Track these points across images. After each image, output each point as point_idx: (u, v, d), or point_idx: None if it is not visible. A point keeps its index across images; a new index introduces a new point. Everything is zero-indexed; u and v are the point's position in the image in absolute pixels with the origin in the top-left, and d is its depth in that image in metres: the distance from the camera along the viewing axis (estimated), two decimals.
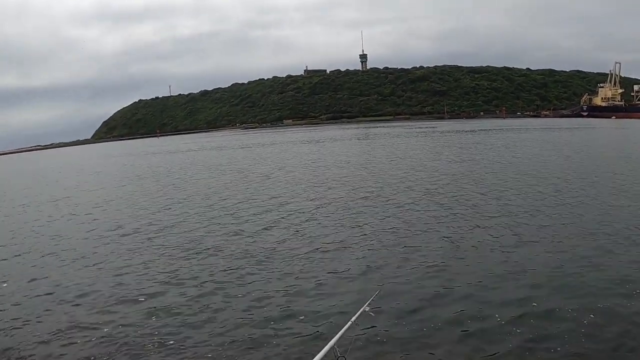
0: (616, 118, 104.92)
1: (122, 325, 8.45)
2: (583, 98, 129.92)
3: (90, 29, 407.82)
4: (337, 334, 4.72)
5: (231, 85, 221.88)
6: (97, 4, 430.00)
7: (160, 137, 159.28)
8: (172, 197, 23.26)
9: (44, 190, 31.96)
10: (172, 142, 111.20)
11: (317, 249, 12.50)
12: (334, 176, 27.17)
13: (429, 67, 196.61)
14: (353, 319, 5.02)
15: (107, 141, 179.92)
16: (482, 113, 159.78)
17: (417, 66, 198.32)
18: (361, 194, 20.60)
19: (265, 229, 15.05)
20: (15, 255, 14.05)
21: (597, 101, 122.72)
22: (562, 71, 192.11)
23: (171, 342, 7.78)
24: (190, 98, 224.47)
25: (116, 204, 22.69)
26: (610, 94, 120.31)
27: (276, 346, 7.52)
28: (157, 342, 7.81)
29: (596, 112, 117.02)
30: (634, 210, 14.86)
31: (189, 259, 12.25)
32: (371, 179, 25.05)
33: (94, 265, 12.29)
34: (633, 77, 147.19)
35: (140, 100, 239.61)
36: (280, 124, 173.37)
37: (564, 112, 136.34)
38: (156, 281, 10.70)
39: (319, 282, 10.17)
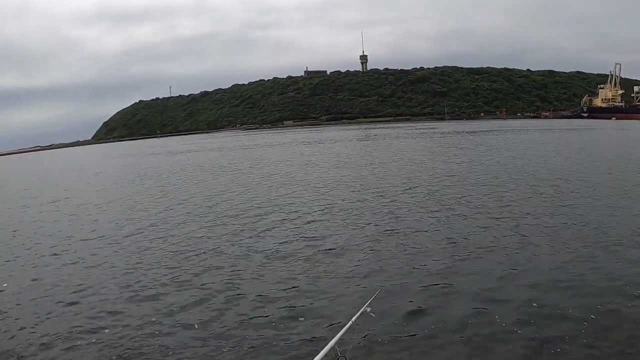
0: (616, 119, 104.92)
1: (123, 328, 8.43)
2: (583, 99, 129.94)
3: (90, 29, 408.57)
4: (337, 334, 4.73)
5: (231, 86, 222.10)
6: (97, 5, 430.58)
7: (160, 138, 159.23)
8: (173, 198, 23.27)
9: (45, 190, 31.96)
10: (173, 143, 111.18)
11: (318, 249, 12.51)
12: (335, 177, 27.17)
13: (429, 68, 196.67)
14: (353, 319, 5.03)
15: (107, 142, 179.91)
16: (482, 114, 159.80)
17: (417, 67, 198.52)
18: (362, 194, 20.61)
19: (266, 230, 15.05)
20: (17, 256, 14.04)
21: (597, 102, 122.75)
22: (562, 72, 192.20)
23: (172, 344, 7.78)
24: (191, 99, 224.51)
25: (117, 205, 22.70)
26: (611, 95, 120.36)
27: (276, 346, 7.53)
28: (158, 344, 7.80)
29: (596, 113, 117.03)
30: (636, 212, 14.84)
31: (190, 260, 12.24)
32: (373, 180, 25.04)
33: (94, 266, 12.28)
34: (633, 78, 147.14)
35: (140, 101, 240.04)
36: (281, 125, 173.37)
37: (564, 113, 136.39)
38: (157, 282, 10.69)
39: (320, 282, 10.17)
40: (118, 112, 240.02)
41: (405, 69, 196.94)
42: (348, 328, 4.86)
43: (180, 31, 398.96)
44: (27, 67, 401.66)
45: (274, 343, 7.63)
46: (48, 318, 9.10)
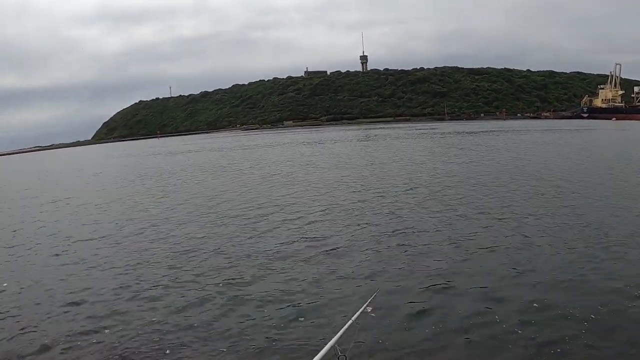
0: (616, 119, 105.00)
1: (124, 328, 8.41)
2: (583, 99, 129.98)
3: (90, 30, 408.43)
4: (337, 333, 4.74)
5: (232, 86, 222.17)
6: (97, 5, 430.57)
7: (160, 138, 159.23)
8: (174, 198, 23.27)
9: (45, 191, 31.95)
10: (173, 143, 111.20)
11: (319, 249, 12.50)
12: (336, 177, 27.17)
13: (429, 68, 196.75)
14: (354, 318, 5.04)
15: (108, 142, 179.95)
16: (482, 114, 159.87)
17: (418, 67, 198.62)
18: (363, 195, 20.61)
19: (267, 230, 15.04)
20: (17, 257, 14.04)
21: (598, 103, 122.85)
22: (562, 72, 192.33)
23: (173, 344, 7.77)
24: (191, 99, 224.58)
25: (117, 205, 22.69)
26: (611, 96, 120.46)
27: (277, 345, 7.53)
28: (159, 344, 7.79)
29: (596, 113, 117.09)
30: (637, 212, 14.82)
31: (191, 260, 12.23)
32: (373, 180, 25.05)
33: (95, 266, 12.26)
34: (633, 79, 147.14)
35: (140, 101, 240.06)
36: (281, 125, 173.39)
37: (564, 113, 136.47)
38: (158, 283, 10.68)
39: (320, 281, 10.18)
40: (118, 112, 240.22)
41: (406, 69, 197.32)
42: (348, 327, 4.87)
43: (180, 31, 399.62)
44: (27, 67, 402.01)
45: (275, 342, 7.63)
46: (48, 318, 9.09)
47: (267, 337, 7.81)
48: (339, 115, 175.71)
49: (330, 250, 12.40)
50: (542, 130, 72.25)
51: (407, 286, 9.64)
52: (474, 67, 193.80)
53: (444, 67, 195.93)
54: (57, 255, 13.76)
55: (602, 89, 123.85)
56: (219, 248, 13.27)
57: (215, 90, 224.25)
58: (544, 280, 9.51)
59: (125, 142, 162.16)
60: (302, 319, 8.43)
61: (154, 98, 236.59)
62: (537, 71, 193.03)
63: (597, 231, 12.80)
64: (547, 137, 55.86)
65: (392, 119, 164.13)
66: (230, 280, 10.56)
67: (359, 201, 19.14)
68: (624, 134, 61.30)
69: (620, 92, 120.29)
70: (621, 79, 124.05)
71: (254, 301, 9.33)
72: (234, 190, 24.45)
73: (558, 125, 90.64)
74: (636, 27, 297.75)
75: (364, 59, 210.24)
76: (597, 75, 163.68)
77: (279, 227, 15.30)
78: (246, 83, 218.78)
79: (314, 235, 14.01)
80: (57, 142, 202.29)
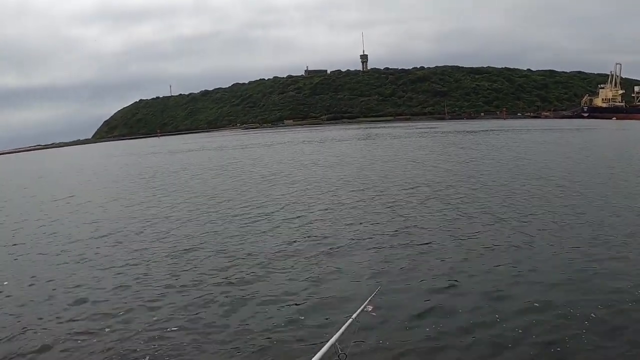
0: (617, 119, 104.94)
1: (124, 329, 8.37)
2: (584, 99, 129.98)
3: (90, 29, 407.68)
4: (338, 331, 4.74)
5: (232, 85, 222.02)
6: (97, 4, 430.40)
7: (161, 137, 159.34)
8: (174, 198, 23.25)
9: (45, 190, 31.98)
10: (173, 142, 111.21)
11: (320, 248, 12.49)
12: (337, 176, 27.17)
13: (429, 67, 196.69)
14: (354, 315, 5.03)
15: (108, 141, 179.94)
16: (482, 114, 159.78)
17: (418, 67, 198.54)
18: (365, 193, 20.60)
19: (268, 229, 15.03)
20: (17, 256, 14.03)
21: (598, 102, 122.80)
22: (562, 72, 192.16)
23: (174, 344, 7.76)
24: (191, 98, 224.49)
25: (118, 204, 22.69)
26: (611, 95, 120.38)
27: (277, 343, 7.53)
28: (160, 344, 7.78)
29: (597, 113, 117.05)
30: (639, 212, 14.81)
31: (192, 260, 12.21)
32: (375, 179, 25.04)
33: (96, 266, 12.23)
34: (634, 78, 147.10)
35: (140, 100, 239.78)
36: (281, 124, 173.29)
37: (565, 113, 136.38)
38: (159, 282, 10.66)
39: (320, 280, 10.18)
40: (118, 111, 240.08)
41: (406, 68, 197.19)
42: (348, 325, 4.86)
43: (180, 30, 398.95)
44: (27, 67, 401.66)
45: (275, 341, 7.63)
46: (49, 318, 9.06)
47: (267, 336, 7.80)
48: (339, 115, 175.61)
49: (331, 249, 12.40)
50: (543, 130, 72.22)
51: (408, 285, 9.64)
52: (474, 66, 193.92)
53: (444, 67, 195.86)
54: (57, 254, 13.75)
55: (603, 88, 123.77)
56: (219, 247, 13.26)
57: (215, 89, 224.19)
58: (545, 280, 9.49)
59: (125, 141, 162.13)
60: (302, 317, 8.43)
61: (155, 97, 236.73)
62: (538, 70, 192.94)
63: (599, 231, 12.77)
64: (547, 137, 55.85)
65: (392, 118, 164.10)
66: (231, 279, 10.55)
67: (360, 200, 19.13)
68: (625, 133, 61.29)
69: (621, 92, 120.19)
70: (621, 78, 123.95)
71: (255, 300, 9.32)
72: (234, 189, 24.44)
73: (558, 124, 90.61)
74: (636, 27, 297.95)
75: (364, 58, 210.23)
76: (598, 74, 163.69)
77: (280, 226, 15.30)
78: (246, 82, 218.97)
79: (315, 234, 14.00)
80: (57, 141, 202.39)
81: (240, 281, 10.44)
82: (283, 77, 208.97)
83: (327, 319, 8.24)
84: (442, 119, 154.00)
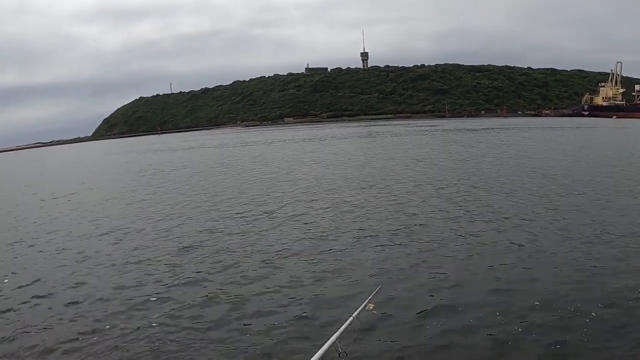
0: (617, 118, 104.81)
1: (125, 328, 8.34)
2: (584, 97, 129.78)
3: (90, 27, 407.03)
4: (339, 329, 4.73)
5: (232, 82, 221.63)
6: (97, 2, 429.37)
7: (161, 135, 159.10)
8: (175, 196, 23.23)
9: (45, 187, 31.96)
10: (173, 139, 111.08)
11: (321, 246, 12.49)
12: (339, 174, 27.14)
13: (430, 65, 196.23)
14: (355, 314, 5.03)
15: (108, 139, 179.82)
16: (483, 112, 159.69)
17: (418, 65, 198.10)
18: (367, 191, 20.58)
19: (270, 227, 15.00)
20: (18, 254, 14.03)
21: (598, 101, 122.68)
22: (563, 70, 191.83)
23: (174, 343, 7.74)
24: (192, 95, 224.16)
25: (118, 202, 22.68)
26: (612, 94, 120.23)
27: (278, 341, 7.54)
28: (161, 344, 7.76)
29: (597, 111, 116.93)
30: None
31: (192, 259, 12.19)
32: (377, 177, 25.02)
33: (96, 265, 12.20)
34: (634, 77, 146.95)
35: (141, 97, 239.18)
36: (281, 122, 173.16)
37: (565, 111, 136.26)
38: (159, 282, 10.63)
39: (322, 278, 10.17)
40: (119, 108, 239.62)
41: (406, 66, 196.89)
42: (349, 324, 4.86)
43: (181, 29, 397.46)
44: (28, 65, 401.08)
45: (276, 338, 7.63)
46: (49, 317, 9.04)
47: (268, 334, 7.80)
48: (339, 112, 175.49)
49: (332, 247, 12.38)
50: (543, 128, 72.16)
51: (409, 283, 9.62)
52: (474, 64, 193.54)
53: (445, 65, 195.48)
54: (58, 252, 13.74)
55: (603, 87, 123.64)
56: (220, 246, 13.24)
57: (215, 86, 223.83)
58: (549, 279, 9.46)
59: (125, 138, 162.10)
60: (303, 315, 8.43)
61: (155, 95, 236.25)
62: (538, 69, 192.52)
63: (602, 229, 12.74)
64: (548, 135, 55.81)
65: (392, 116, 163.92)
66: (232, 278, 10.54)
67: (361, 198, 19.10)
68: (625, 132, 61.24)
69: (621, 91, 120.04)
70: (622, 77, 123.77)
71: (256, 298, 9.30)
72: (235, 188, 24.42)
73: (559, 123, 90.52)
74: (636, 27, 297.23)
75: (364, 55, 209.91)
76: (598, 73, 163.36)
77: (281, 224, 15.28)
78: (247, 80, 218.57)
79: (316, 232, 13.98)
80: (57, 138, 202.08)
81: (242, 279, 10.43)
82: (283, 75, 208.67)
83: (327, 317, 8.23)
84: (443, 117, 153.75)
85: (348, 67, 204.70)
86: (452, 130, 76.09)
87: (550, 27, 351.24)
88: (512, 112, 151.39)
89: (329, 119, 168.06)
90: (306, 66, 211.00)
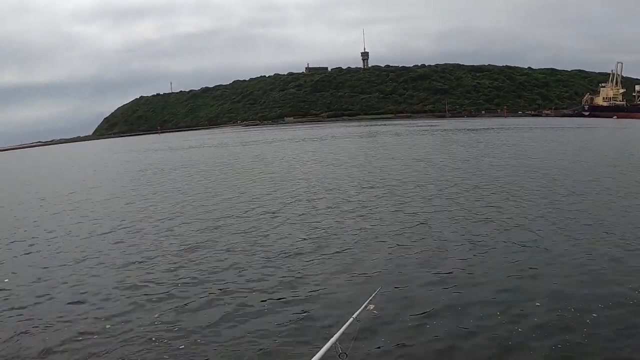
0: (617, 118, 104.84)
1: (125, 328, 8.33)
2: (584, 98, 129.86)
3: (91, 26, 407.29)
4: (339, 330, 4.73)
5: (232, 82, 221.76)
6: (98, 1, 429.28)
7: (161, 134, 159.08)
8: (175, 196, 23.21)
9: (46, 186, 31.95)
10: (174, 139, 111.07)
11: (322, 246, 12.46)
12: (340, 174, 27.13)
13: (430, 65, 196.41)
14: (355, 315, 5.02)
15: (108, 138, 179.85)
16: (483, 112, 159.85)
17: (419, 64, 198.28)
18: (368, 192, 20.54)
19: (271, 227, 14.98)
20: (19, 254, 13.99)
21: (599, 101, 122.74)
22: (563, 70, 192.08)
23: (175, 343, 7.73)
24: (192, 95, 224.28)
25: (118, 202, 22.64)
26: (612, 94, 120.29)
27: (278, 342, 7.52)
28: (161, 344, 7.75)
29: (597, 111, 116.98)
30: None
31: (193, 259, 12.17)
32: (378, 177, 25.00)
33: (96, 265, 12.17)
34: (635, 77, 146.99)
35: (141, 97, 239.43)
36: (282, 122, 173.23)
37: (566, 111, 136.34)
38: (160, 282, 10.61)
39: (322, 278, 10.15)
40: (119, 108, 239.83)
41: (407, 66, 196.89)
42: (349, 324, 4.85)
43: (181, 28, 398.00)
44: (29, 64, 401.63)
45: (276, 339, 7.62)
46: (50, 317, 9.02)
47: (268, 335, 7.78)
48: (339, 112, 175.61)
49: (333, 247, 12.36)
50: (544, 128, 72.15)
51: (410, 284, 9.59)
52: (475, 64, 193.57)
53: (445, 64, 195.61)
54: (58, 252, 13.71)
55: (604, 87, 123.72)
56: (221, 245, 13.22)
57: (216, 86, 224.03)
58: (554, 278, 9.42)
59: (126, 137, 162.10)
60: (303, 316, 8.41)
61: (155, 94, 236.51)
62: (539, 69, 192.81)
63: (606, 229, 12.73)
64: (548, 135, 55.78)
65: (393, 115, 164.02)
66: (233, 278, 10.52)
67: (362, 198, 19.07)
68: (625, 132, 61.22)
69: (622, 91, 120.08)
70: (622, 77, 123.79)
71: (256, 299, 9.28)
72: (235, 187, 24.40)
73: (559, 123, 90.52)
74: (636, 27, 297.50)
75: (365, 55, 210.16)
76: (599, 73, 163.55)
77: (282, 225, 15.26)
78: (247, 79, 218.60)
79: (317, 233, 13.96)
80: (57, 137, 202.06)
81: (242, 279, 10.41)
82: (284, 74, 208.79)
83: (328, 318, 8.21)
84: (443, 117, 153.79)
85: (348, 67, 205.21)
86: (452, 130, 76.07)
87: (551, 27, 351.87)
88: (513, 112, 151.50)
89: (329, 119, 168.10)
90: (306, 66, 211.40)
